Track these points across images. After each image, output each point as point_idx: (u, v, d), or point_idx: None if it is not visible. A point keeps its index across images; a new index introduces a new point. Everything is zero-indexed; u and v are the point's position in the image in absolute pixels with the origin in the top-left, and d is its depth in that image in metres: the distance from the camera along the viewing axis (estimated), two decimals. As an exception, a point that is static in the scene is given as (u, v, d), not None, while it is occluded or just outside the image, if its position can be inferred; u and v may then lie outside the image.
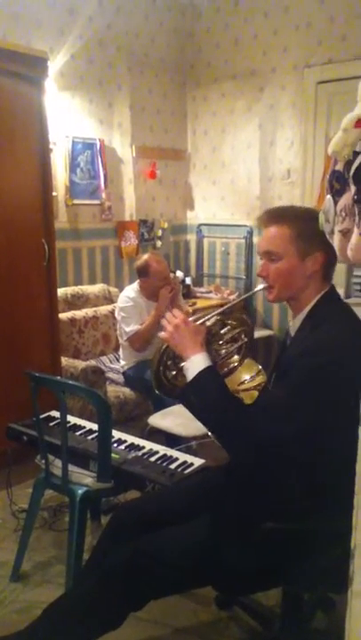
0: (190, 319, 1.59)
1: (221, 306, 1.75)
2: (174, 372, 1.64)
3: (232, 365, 1.74)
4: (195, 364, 1.50)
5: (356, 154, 1.08)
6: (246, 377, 1.76)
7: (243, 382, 1.75)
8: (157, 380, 1.65)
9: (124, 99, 4.38)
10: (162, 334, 1.58)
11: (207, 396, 1.49)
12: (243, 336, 1.73)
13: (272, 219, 1.55)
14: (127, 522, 1.76)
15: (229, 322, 1.71)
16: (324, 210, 1.28)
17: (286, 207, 1.62)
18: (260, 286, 1.62)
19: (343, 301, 1.60)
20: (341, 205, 1.14)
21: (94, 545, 1.87)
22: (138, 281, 3.53)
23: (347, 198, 1.14)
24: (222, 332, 1.71)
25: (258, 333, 4.61)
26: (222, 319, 1.69)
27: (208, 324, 1.62)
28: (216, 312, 1.65)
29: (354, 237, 1.07)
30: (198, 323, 1.59)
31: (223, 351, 1.71)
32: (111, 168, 4.32)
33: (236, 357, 1.74)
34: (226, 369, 1.73)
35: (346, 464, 1.15)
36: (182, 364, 1.56)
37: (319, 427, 1.40)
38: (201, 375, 1.49)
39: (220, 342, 1.70)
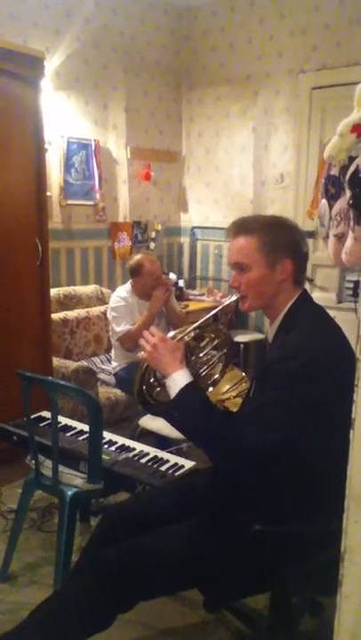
0: (169, 336, 1.61)
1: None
2: (158, 389, 1.66)
3: (215, 377, 1.76)
4: (176, 381, 1.53)
5: (351, 159, 1.09)
6: (229, 385, 1.78)
7: (226, 392, 1.77)
8: (141, 399, 1.67)
9: (120, 100, 4.38)
10: (141, 354, 1.61)
11: (190, 411, 1.50)
12: (222, 346, 1.75)
13: (239, 230, 1.58)
14: (117, 523, 1.76)
15: (207, 334, 1.74)
16: (319, 214, 1.29)
17: (252, 217, 1.66)
18: (233, 297, 1.65)
19: (316, 304, 1.63)
20: (336, 210, 1.15)
21: (83, 546, 1.86)
22: (130, 281, 3.52)
23: (342, 203, 1.15)
24: (201, 345, 1.73)
25: (250, 337, 4.63)
26: (200, 333, 1.71)
27: (186, 339, 1.64)
28: (193, 327, 1.67)
29: (349, 241, 1.08)
30: (176, 339, 1.61)
31: (204, 363, 1.73)
32: (106, 169, 4.31)
33: (218, 369, 1.76)
34: (209, 381, 1.76)
35: (334, 467, 1.15)
36: (164, 381, 1.58)
37: (299, 431, 1.42)
38: (183, 392, 1.51)
39: (201, 355, 1.73)
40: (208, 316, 1.70)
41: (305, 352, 1.44)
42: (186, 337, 1.64)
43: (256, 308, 1.62)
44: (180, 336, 1.63)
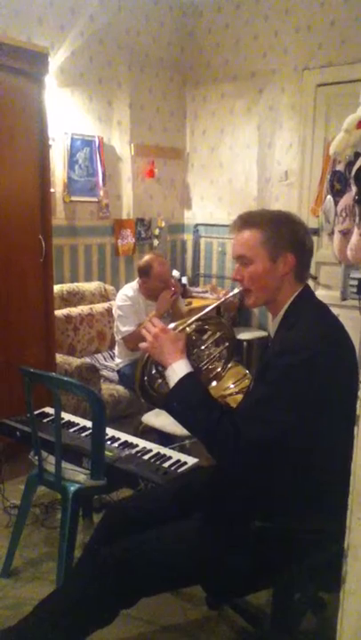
0: (170, 327, 1.61)
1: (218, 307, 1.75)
2: (160, 381, 1.65)
3: (217, 371, 1.75)
4: (176, 371, 1.52)
5: (357, 155, 1.08)
6: (232, 382, 1.77)
7: (228, 387, 1.75)
8: (143, 390, 1.66)
9: (124, 97, 4.38)
10: (142, 345, 1.60)
11: (189, 402, 1.50)
12: (223, 340, 1.74)
13: (244, 223, 1.59)
14: (119, 520, 1.76)
15: (209, 327, 1.72)
16: (324, 210, 1.29)
17: (258, 212, 1.65)
18: (235, 290, 1.65)
19: (317, 299, 1.62)
20: (342, 206, 1.15)
21: (86, 542, 1.86)
22: (138, 279, 3.50)
23: (348, 199, 1.15)
24: (203, 337, 1.72)
25: (253, 335, 4.62)
26: (201, 325, 1.70)
27: (187, 330, 1.63)
28: (194, 318, 1.66)
29: (354, 237, 1.08)
30: (177, 330, 1.60)
31: (206, 356, 1.72)
32: (109, 166, 4.31)
33: (220, 363, 1.75)
34: (211, 375, 1.74)
35: (338, 463, 1.15)
36: (165, 372, 1.57)
37: (300, 426, 1.41)
38: (182, 382, 1.51)
39: (203, 348, 1.71)
40: (210, 307, 1.69)
41: (305, 348, 1.44)
42: (187, 328, 1.63)
43: (261, 302, 1.62)
44: (181, 327, 1.62)
